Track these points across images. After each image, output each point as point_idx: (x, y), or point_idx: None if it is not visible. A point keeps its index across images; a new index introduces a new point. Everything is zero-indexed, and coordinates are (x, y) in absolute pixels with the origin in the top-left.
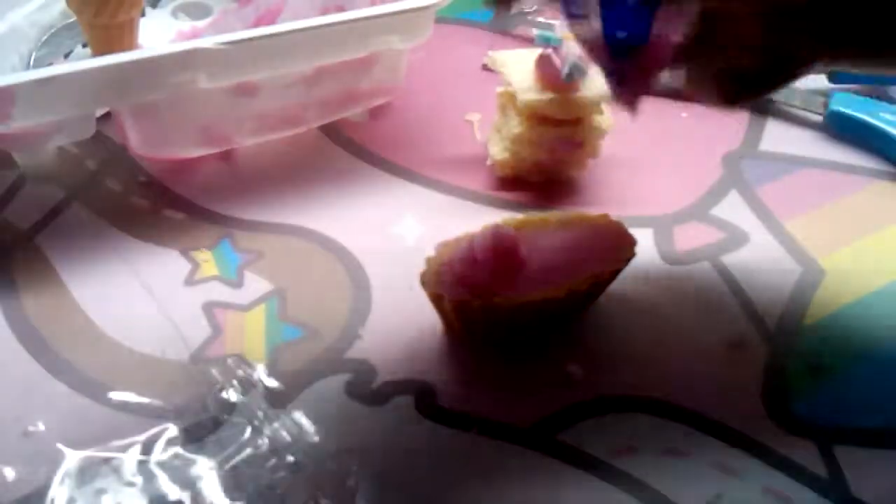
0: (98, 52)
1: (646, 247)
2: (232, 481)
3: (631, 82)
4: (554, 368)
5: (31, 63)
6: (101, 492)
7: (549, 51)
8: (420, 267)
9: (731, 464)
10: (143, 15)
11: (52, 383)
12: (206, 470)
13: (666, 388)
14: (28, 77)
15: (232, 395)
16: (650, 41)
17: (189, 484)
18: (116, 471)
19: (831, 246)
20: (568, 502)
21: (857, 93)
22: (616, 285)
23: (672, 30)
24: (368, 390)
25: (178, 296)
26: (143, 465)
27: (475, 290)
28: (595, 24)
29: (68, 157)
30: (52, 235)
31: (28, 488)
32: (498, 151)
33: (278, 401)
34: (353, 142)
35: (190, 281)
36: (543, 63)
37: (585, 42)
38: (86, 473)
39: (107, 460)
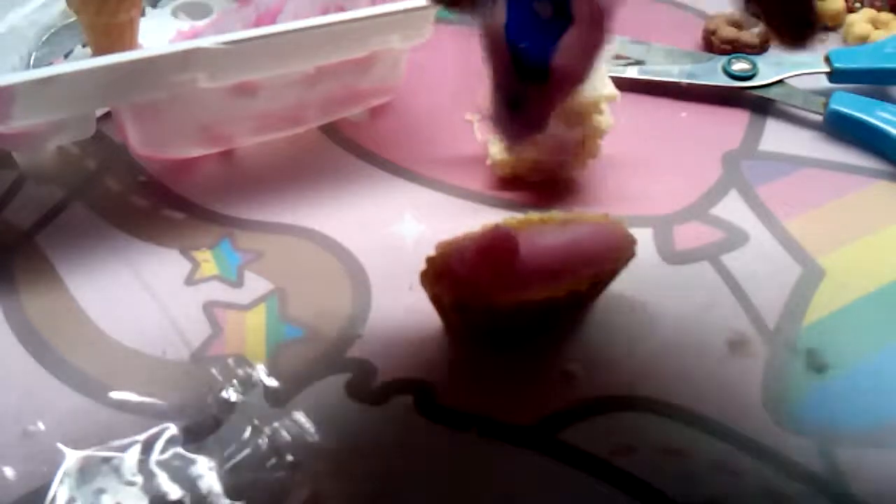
0: (98, 52)
1: (646, 247)
2: (232, 481)
3: (529, 111)
4: (554, 368)
5: (31, 63)
6: (101, 492)
7: None
8: (420, 267)
9: (731, 464)
10: (143, 15)
11: (52, 383)
12: (206, 470)
13: (666, 388)
14: (28, 77)
15: (232, 395)
16: (558, 68)
17: (189, 484)
18: (116, 471)
19: (831, 246)
20: (568, 502)
21: (857, 93)
22: (616, 285)
23: (578, 59)
24: (368, 390)
25: (178, 296)
26: (143, 464)
27: (475, 290)
28: (499, 23)
29: (68, 157)
30: (52, 235)
31: (28, 488)
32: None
33: (278, 401)
34: (353, 142)
35: (190, 281)
36: None
37: (488, 49)
38: (86, 473)
39: (107, 460)
